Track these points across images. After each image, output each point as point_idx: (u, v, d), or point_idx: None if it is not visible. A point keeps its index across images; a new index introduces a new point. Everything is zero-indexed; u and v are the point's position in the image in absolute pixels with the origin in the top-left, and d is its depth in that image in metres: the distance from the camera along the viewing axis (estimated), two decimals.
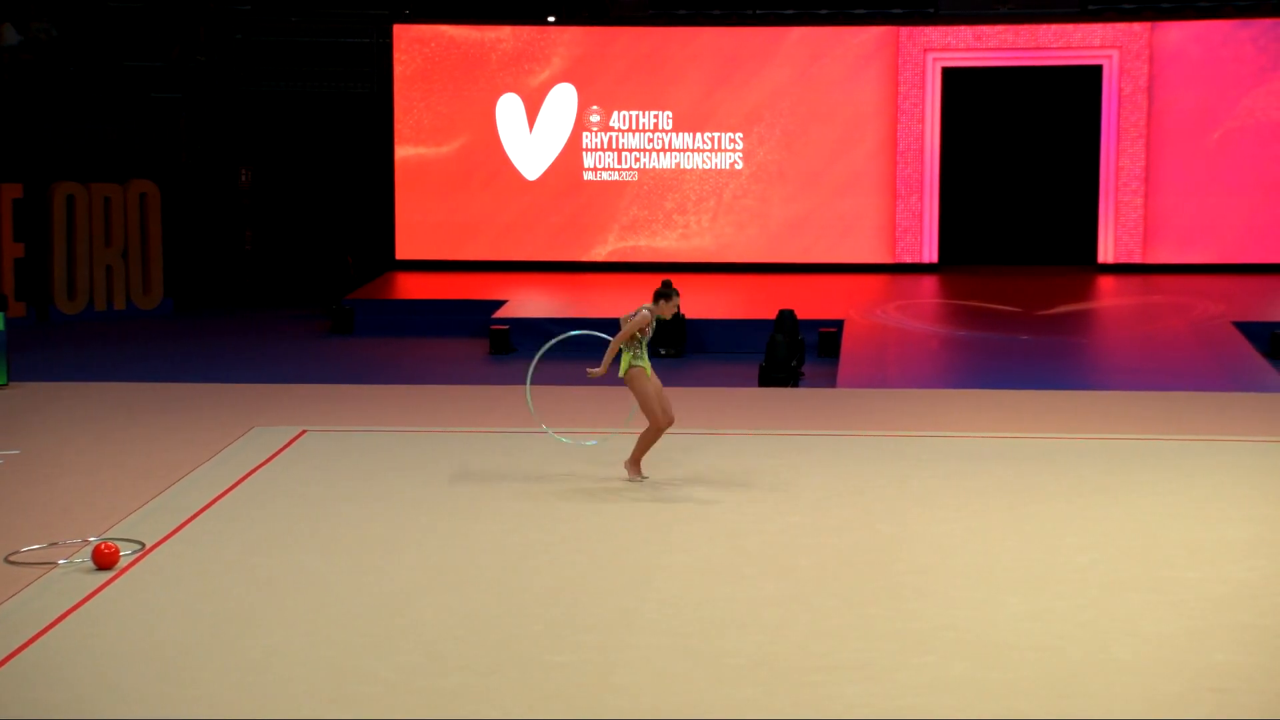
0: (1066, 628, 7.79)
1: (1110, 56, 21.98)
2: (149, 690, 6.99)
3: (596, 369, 10.73)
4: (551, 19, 23.08)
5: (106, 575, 8.63)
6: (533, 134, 22.82)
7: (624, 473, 11.00)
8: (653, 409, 10.70)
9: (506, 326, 18.70)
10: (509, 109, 22.79)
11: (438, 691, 7.01)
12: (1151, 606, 8.11)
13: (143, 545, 9.23)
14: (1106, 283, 21.69)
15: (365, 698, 6.94)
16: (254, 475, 11.20)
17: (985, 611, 8.05)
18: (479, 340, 19.05)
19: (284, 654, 7.45)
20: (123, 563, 8.85)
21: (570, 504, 10.33)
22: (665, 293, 10.83)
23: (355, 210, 23.59)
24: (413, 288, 21.76)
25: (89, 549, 8.93)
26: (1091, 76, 22.10)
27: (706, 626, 7.85)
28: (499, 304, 19.85)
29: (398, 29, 22.89)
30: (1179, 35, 21.88)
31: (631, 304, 19.49)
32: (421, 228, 22.97)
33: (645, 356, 10.71)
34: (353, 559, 9.04)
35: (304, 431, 12.65)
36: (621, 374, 10.75)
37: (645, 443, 10.87)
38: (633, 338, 10.65)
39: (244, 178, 23.46)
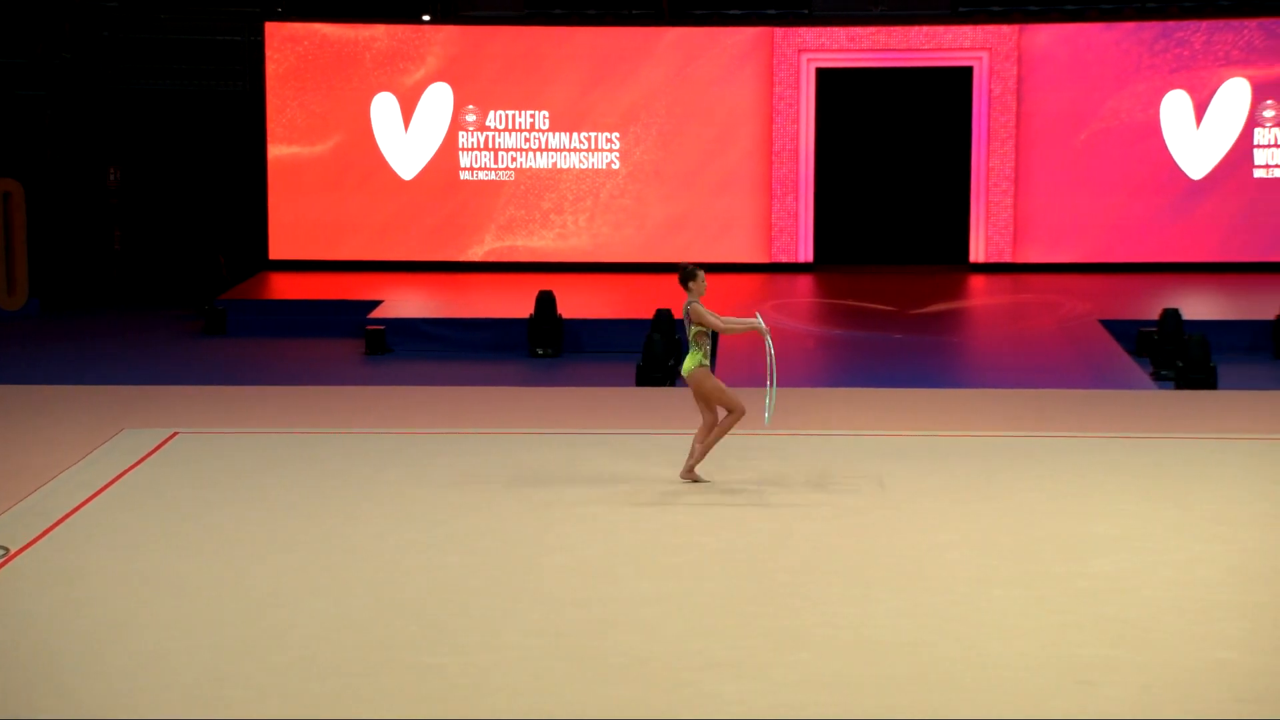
0: (938, 623, 7.91)
1: (980, 58, 22.31)
2: (16, 698, 6.86)
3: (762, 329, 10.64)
4: (426, 18, 22.95)
5: None
6: (408, 133, 22.68)
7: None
8: (729, 399, 10.61)
9: (382, 327, 18.58)
10: (384, 108, 22.64)
11: (312, 695, 6.95)
12: (1020, 602, 8.26)
13: (7, 550, 9.06)
14: (978, 282, 22.00)
15: (239, 701, 6.87)
16: (124, 478, 11.03)
17: (859, 608, 8.15)
18: (354, 341, 18.91)
19: (156, 659, 7.35)
20: None
21: (447, 505, 10.30)
22: (691, 273, 10.73)
23: (227, 210, 23.30)
24: (287, 288, 21.54)
25: None
26: (962, 78, 22.41)
27: (584, 626, 7.87)
28: (375, 304, 19.71)
29: (270, 27, 22.64)
30: (1046, 38, 22.26)
31: (509, 304, 19.58)
32: (295, 227, 22.75)
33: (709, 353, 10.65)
34: (225, 562, 8.95)
35: (175, 433, 12.49)
36: (686, 372, 10.67)
37: (722, 432, 10.74)
38: (701, 334, 10.58)
39: (112, 177, 23.08)
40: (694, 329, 10.66)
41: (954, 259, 22.58)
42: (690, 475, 10.84)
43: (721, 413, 10.72)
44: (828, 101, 22.56)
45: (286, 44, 22.57)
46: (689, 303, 10.69)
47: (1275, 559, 9.03)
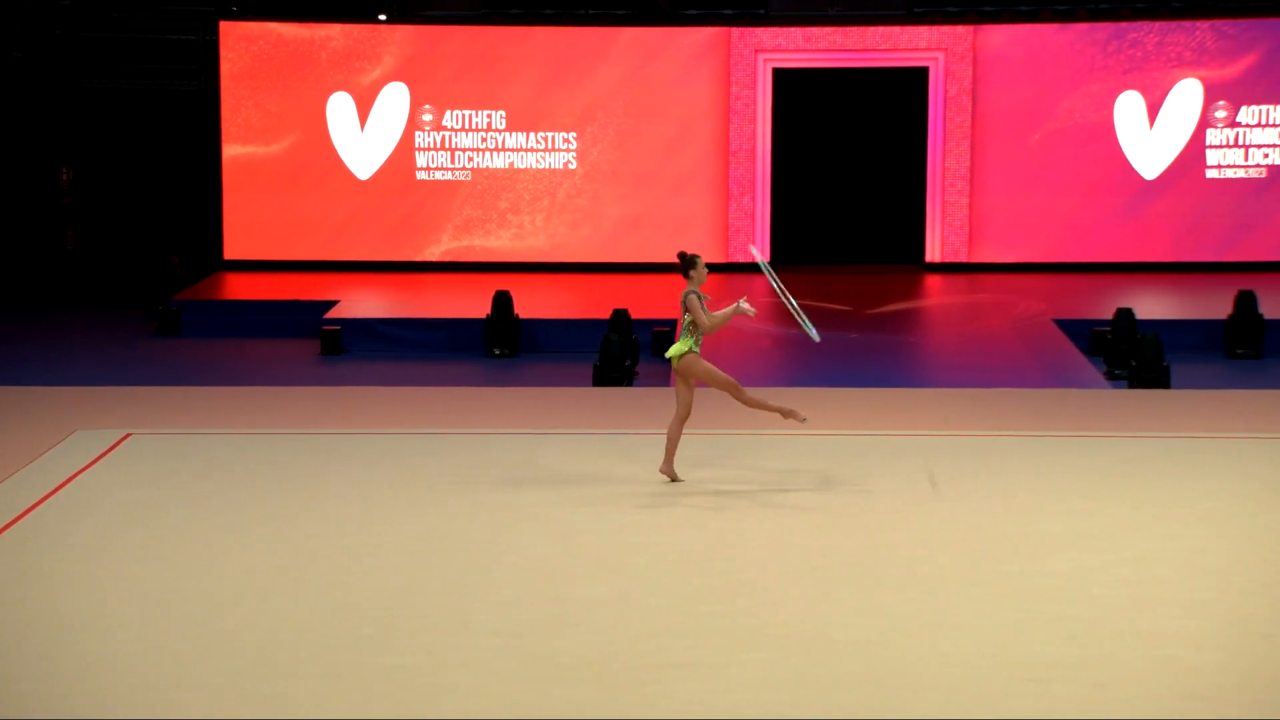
0: (893, 622, 7.94)
1: (936, 59, 22.40)
2: None
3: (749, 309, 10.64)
4: (382, 17, 22.89)
5: None
6: (364, 133, 22.62)
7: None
8: (723, 380, 10.64)
9: (338, 327, 18.51)
10: (340, 108, 22.56)
11: (265, 696, 6.92)
12: (974, 600, 8.30)
13: None
14: (933, 281, 22.09)
15: (193, 704, 6.83)
16: (76, 479, 10.96)
17: (815, 608, 8.17)
18: (310, 341, 18.83)
19: (108, 662, 7.30)
20: None
21: (402, 505, 10.27)
22: (690, 261, 10.67)
23: (182, 210, 23.17)
24: (242, 288, 21.44)
25: None
26: (918, 78, 22.49)
27: (539, 627, 7.86)
28: (330, 304, 19.64)
29: (224, 26, 22.53)
30: (1001, 38, 22.37)
31: (465, 304, 19.54)
32: (250, 227, 22.64)
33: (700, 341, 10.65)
34: (179, 564, 8.90)
35: (129, 435, 12.41)
36: (675, 356, 10.65)
37: (759, 404, 10.78)
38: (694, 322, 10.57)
39: (65, 176, 22.92)
40: (687, 318, 10.67)
41: (910, 259, 22.66)
42: (669, 471, 10.84)
43: (700, 405, 10.76)
44: (784, 101, 22.61)
45: (241, 43, 22.47)
46: (687, 291, 10.67)
47: (1226, 557, 9.10)
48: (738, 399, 10.79)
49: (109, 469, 11.32)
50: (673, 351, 10.70)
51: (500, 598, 8.33)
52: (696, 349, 10.69)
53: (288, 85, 22.52)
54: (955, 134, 22.34)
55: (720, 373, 10.77)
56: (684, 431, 10.91)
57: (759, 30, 22.49)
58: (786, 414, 10.82)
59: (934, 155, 22.47)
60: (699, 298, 10.63)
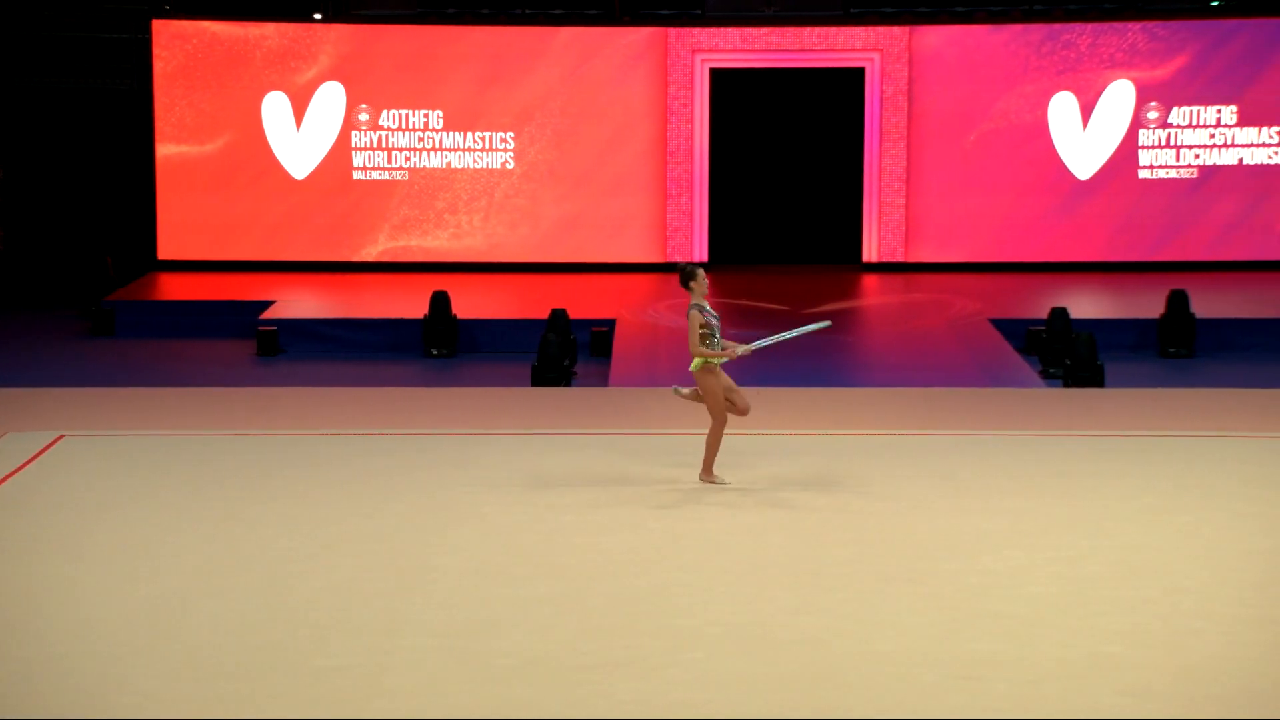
0: (830, 621, 7.97)
1: (872, 59, 22.50)
2: None
3: (685, 390, 10.80)
4: (317, 16, 22.76)
5: None
6: (300, 132, 22.48)
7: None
8: (718, 405, 10.60)
9: (274, 328, 18.40)
10: (275, 107, 22.42)
11: (201, 699, 6.88)
12: (911, 598, 8.35)
13: None
14: (870, 281, 22.19)
15: (128, 706, 6.78)
16: (7, 482, 10.85)
17: (753, 607, 8.20)
18: (246, 342, 18.70)
19: (41, 664, 7.23)
20: None
21: (340, 506, 10.22)
22: (690, 273, 10.58)
23: (115, 209, 22.96)
24: (176, 288, 21.27)
25: None
26: (854, 79, 22.58)
27: (478, 627, 7.85)
28: (266, 304, 19.52)
29: (157, 24, 22.33)
30: (936, 39, 22.49)
31: (403, 304, 19.47)
32: (185, 227, 22.47)
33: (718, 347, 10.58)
34: (113, 566, 8.82)
35: (61, 436, 12.29)
36: (693, 369, 10.66)
37: (713, 443, 10.73)
38: (709, 335, 10.51)
39: None
40: (713, 327, 10.62)
41: (847, 259, 22.75)
42: (709, 477, 10.83)
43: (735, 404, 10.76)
44: (722, 102, 22.65)
45: (175, 42, 22.29)
46: (691, 305, 10.60)
47: (1159, 554, 9.19)
48: (714, 425, 10.73)
49: (41, 471, 11.21)
50: (693, 366, 10.67)
51: (439, 599, 8.31)
52: (715, 361, 10.60)
53: (222, 84, 22.36)
54: (891, 134, 22.45)
55: (721, 399, 10.63)
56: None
57: (696, 30, 22.52)
58: (707, 471, 10.80)
59: (870, 155, 22.56)
60: (700, 311, 10.53)
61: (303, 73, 22.44)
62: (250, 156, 22.45)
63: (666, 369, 16.83)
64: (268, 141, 22.45)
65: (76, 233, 22.85)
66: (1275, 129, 22.26)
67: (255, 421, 13.35)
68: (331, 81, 22.46)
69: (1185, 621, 7.97)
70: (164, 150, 22.34)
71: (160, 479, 10.96)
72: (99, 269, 21.31)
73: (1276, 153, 22.30)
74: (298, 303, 19.93)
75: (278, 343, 18.27)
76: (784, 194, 23.07)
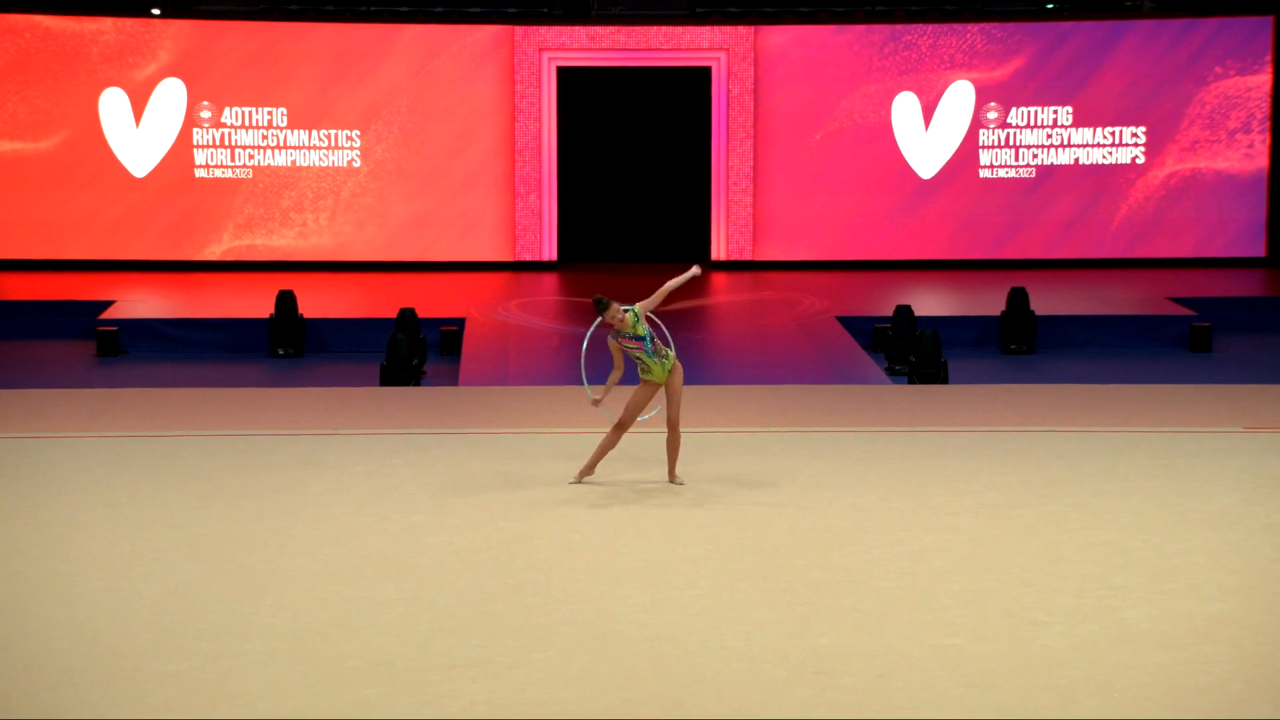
0: (682, 618, 8.01)
1: (719, 59, 22.66)
2: None
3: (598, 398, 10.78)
4: (156, 11, 22.35)
5: None
6: (139, 129, 22.07)
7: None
8: (630, 415, 10.68)
9: (114, 328, 18.05)
10: (113, 103, 21.98)
11: (39, 707, 6.73)
12: (761, 594, 8.42)
13: None
14: (719, 279, 22.35)
15: None
16: None
17: (604, 605, 8.21)
18: (85, 342, 18.33)
19: None
20: None
21: (184, 509, 10.05)
22: (604, 306, 10.72)
23: None
24: (11, 288, 20.77)
25: None
26: (701, 78, 22.72)
27: (325, 629, 7.77)
28: (106, 304, 19.14)
29: None
30: (781, 39, 22.71)
31: (248, 304, 19.21)
32: (19, 226, 21.95)
33: (654, 362, 10.63)
34: None
35: None
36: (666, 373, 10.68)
37: (605, 449, 10.80)
38: (634, 356, 10.63)
39: None
40: (634, 351, 10.65)
41: (696, 257, 22.85)
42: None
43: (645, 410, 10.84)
44: (569, 100, 22.66)
45: (6, 36, 21.76)
46: (611, 336, 10.72)
47: (1002, 548, 9.37)
48: (614, 428, 10.79)
49: None
50: (663, 372, 10.70)
51: (286, 600, 8.21)
52: (645, 376, 10.70)
53: (57, 80, 21.88)
54: (738, 133, 22.62)
55: (632, 407, 10.72)
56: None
57: (543, 29, 22.50)
58: (584, 471, 10.89)
59: (718, 154, 22.72)
60: (615, 336, 10.70)
61: (141, 69, 22.04)
62: (88, 154, 21.99)
63: (516, 367, 16.81)
64: (106, 138, 22.01)
65: None
66: (1109, 129, 22.83)
67: (96, 424, 13.08)
68: (172, 78, 22.09)
69: (1026, 614, 8.13)
70: None
71: None
72: None
73: (1110, 152, 22.87)
74: (139, 303, 19.58)
75: (119, 343, 17.92)
76: (633, 193, 23.15)
